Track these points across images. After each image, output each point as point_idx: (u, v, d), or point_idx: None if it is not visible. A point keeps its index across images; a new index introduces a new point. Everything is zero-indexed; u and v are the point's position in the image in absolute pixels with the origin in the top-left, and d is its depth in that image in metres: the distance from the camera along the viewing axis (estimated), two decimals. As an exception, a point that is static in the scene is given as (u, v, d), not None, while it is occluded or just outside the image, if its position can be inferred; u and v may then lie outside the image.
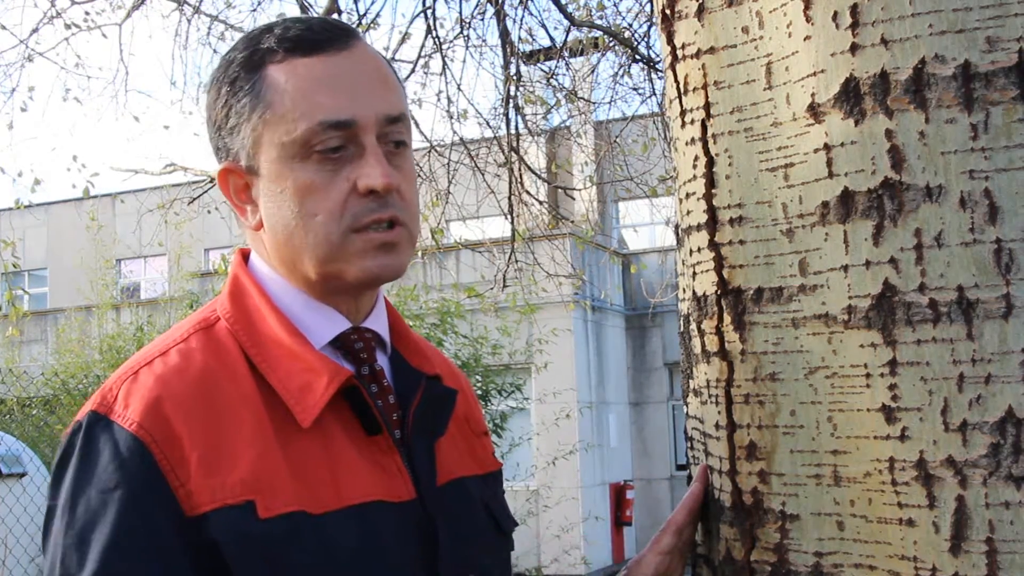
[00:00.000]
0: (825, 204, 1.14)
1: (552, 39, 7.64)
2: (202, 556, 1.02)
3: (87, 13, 7.61)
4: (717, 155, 1.26)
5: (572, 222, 10.96)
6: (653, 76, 7.39)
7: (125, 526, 1.01)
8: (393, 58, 6.99)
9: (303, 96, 1.12)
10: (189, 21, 7.42)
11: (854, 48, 1.12)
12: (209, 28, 7.63)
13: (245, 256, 1.25)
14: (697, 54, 1.28)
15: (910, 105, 1.09)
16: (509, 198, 7.36)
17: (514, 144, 7.23)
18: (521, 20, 7.28)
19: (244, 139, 1.15)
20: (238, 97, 1.15)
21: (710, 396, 1.29)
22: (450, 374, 1.33)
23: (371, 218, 1.13)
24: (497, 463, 1.36)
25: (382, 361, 1.23)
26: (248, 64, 1.16)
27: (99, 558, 1.01)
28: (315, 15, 6.16)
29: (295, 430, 1.10)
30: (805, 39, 1.16)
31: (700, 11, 1.28)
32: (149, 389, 1.08)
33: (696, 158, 1.29)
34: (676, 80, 1.32)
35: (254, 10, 7.54)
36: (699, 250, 1.29)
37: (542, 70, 7.97)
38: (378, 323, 1.24)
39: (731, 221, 1.24)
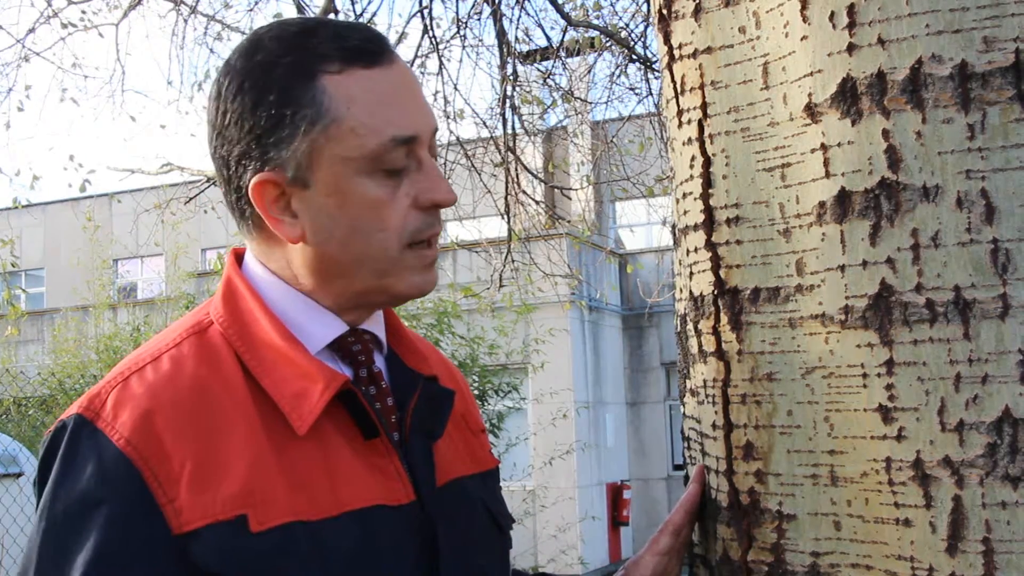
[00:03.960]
0: (822, 204, 1.14)
1: (549, 39, 7.65)
2: (191, 573, 1.01)
3: (83, 13, 7.60)
4: (714, 155, 1.26)
5: (569, 222, 10.97)
6: (650, 76, 7.40)
7: (108, 544, 1.00)
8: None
9: (372, 111, 1.10)
10: (186, 21, 7.43)
11: (851, 48, 1.12)
12: (206, 28, 7.63)
13: (238, 257, 1.22)
14: (694, 54, 1.28)
15: (907, 105, 1.09)
16: (506, 198, 7.37)
17: (511, 144, 7.23)
18: (518, 20, 7.28)
19: (297, 150, 1.09)
20: (296, 106, 1.09)
21: (707, 396, 1.29)
22: (446, 373, 1.33)
23: (429, 233, 1.14)
24: (494, 460, 1.35)
25: (379, 362, 1.22)
26: (300, 71, 1.10)
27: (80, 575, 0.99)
28: (312, 15, 6.16)
29: (290, 436, 1.08)
30: (802, 39, 1.16)
31: (697, 11, 1.28)
32: (140, 401, 1.05)
33: (693, 158, 1.29)
34: (673, 80, 1.32)
35: (251, 10, 7.55)
36: (696, 250, 1.29)
37: (539, 70, 7.98)
38: (375, 324, 1.23)
39: (728, 221, 1.24)
